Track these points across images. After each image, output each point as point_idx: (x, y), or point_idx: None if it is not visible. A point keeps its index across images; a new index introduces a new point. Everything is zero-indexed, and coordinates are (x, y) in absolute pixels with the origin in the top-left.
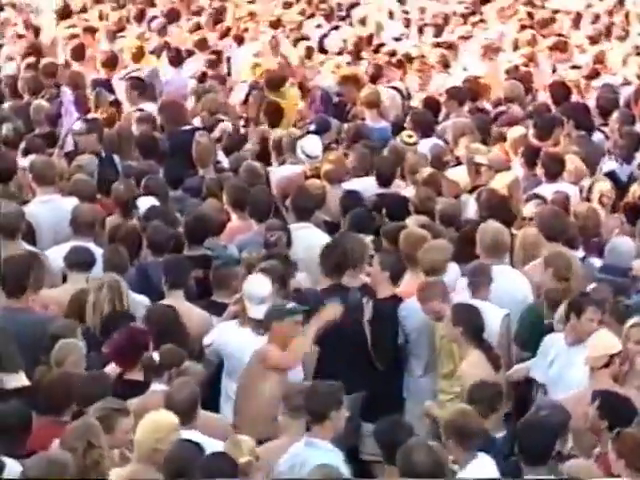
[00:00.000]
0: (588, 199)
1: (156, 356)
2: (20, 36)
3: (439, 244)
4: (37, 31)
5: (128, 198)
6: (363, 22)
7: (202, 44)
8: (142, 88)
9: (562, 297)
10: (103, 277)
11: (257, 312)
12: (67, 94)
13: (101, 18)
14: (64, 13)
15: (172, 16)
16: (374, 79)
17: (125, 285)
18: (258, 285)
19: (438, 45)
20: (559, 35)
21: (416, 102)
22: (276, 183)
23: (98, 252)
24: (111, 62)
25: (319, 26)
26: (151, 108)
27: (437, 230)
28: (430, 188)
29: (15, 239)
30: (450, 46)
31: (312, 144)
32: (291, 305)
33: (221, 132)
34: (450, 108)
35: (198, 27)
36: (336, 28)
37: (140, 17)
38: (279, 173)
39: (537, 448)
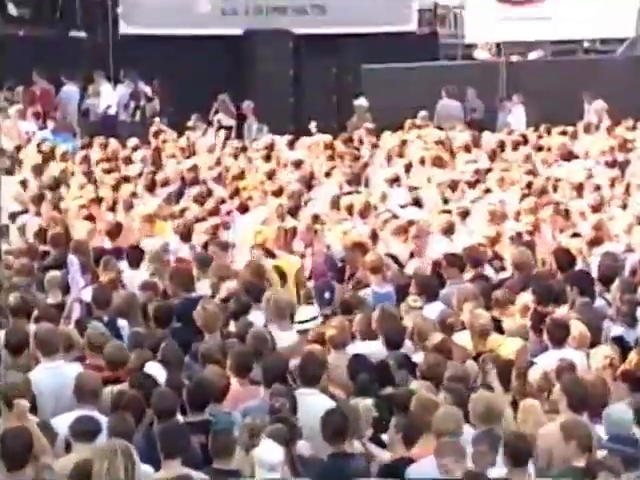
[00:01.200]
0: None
1: None
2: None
3: (453, 411)
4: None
5: (140, 367)
6: (369, 190)
7: (214, 211)
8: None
9: None
10: (113, 443)
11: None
12: (74, 263)
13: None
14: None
15: (182, 186)
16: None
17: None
18: (270, 452)
19: (448, 211)
20: (559, 204)
21: (410, 269)
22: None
23: (102, 420)
24: (115, 231)
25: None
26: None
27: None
28: (440, 354)
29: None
30: (461, 213)
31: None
32: None
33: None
34: (450, 275)
35: (209, 194)
36: (337, 198)
37: (152, 187)
38: (279, 342)
39: None
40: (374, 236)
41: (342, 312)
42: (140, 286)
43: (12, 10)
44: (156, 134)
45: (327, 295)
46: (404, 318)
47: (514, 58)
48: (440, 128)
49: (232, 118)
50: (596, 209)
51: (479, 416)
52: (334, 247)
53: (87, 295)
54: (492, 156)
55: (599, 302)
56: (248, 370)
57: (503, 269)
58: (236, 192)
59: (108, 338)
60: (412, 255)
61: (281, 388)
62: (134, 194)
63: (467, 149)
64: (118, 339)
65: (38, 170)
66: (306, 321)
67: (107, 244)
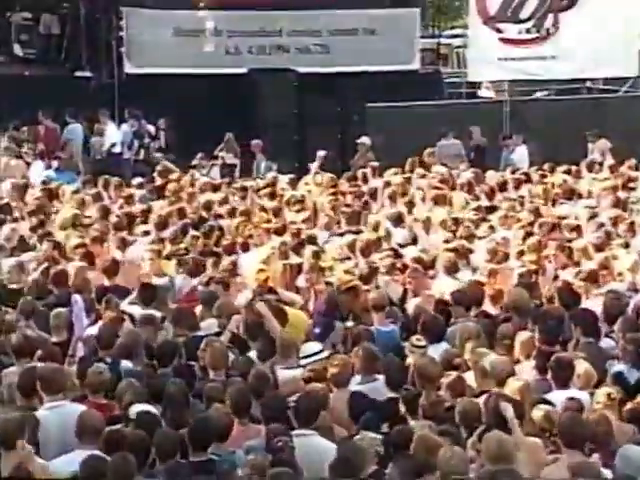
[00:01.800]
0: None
1: None
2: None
3: (458, 451)
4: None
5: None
6: (375, 228)
7: (230, 249)
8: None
9: None
10: None
11: None
12: (78, 302)
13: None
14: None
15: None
16: (367, 281)
17: None
18: None
19: (451, 249)
20: (565, 241)
21: (410, 308)
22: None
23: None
24: (112, 269)
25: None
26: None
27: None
28: (452, 392)
29: (15, 449)
30: (465, 251)
31: None
32: None
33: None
34: (457, 313)
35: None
36: (341, 235)
37: (162, 226)
38: (282, 377)
39: None
40: (373, 274)
41: (346, 349)
42: (139, 322)
43: (18, 50)
44: (161, 173)
45: (324, 332)
46: (407, 357)
47: (518, 97)
48: (445, 165)
49: (236, 157)
50: (600, 247)
51: (491, 455)
52: (336, 285)
53: (92, 333)
54: (490, 194)
55: (606, 342)
56: (246, 410)
57: (502, 308)
58: (242, 229)
59: (107, 378)
60: (405, 293)
61: (278, 428)
62: (145, 232)
63: (470, 187)
64: (119, 380)
65: (40, 210)
66: (311, 355)
67: (106, 282)
